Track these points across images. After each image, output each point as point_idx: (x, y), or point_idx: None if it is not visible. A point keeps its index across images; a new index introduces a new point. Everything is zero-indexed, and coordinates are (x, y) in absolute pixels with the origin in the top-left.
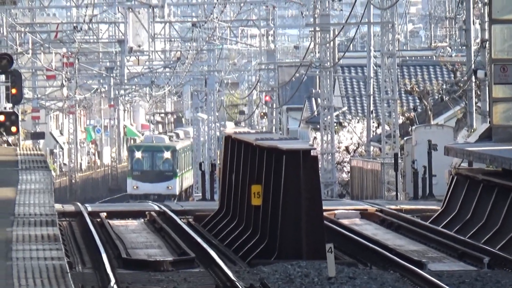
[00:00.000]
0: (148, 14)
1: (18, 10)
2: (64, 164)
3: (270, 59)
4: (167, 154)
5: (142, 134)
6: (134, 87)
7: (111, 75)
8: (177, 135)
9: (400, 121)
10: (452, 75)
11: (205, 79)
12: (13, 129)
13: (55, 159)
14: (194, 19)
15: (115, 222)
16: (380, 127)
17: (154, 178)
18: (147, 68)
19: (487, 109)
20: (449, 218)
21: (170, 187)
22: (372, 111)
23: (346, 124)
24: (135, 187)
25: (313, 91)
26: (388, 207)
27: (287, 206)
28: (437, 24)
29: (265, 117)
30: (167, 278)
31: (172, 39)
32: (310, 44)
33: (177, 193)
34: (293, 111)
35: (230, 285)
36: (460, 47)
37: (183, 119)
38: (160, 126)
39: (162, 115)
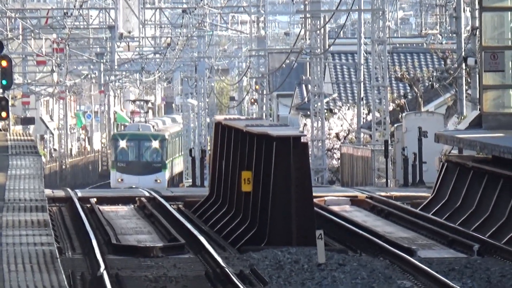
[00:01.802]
0: (138, 0)
1: None
2: (54, 150)
3: (260, 46)
4: (155, 144)
5: (133, 121)
6: (124, 73)
7: (101, 61)
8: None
9: (391, 108)
10: (443, 62)
11: (195, 65)
12: (3, 114)
13: (45, 145)
14: (185, 5)
15: (105, 208)
16: (371, 114)
17: (140, 170)
18: (137, 54)
19: (477, 97)
20: (439, 205)
21: (158, 180)
22: (362, 98)
23: (336, 110)
24: (119, 180)
25: (304, 77)
26: (378, 194)
27: (277, 192)
28: (428, 11)
29: (256, 103)
30: (156, 264)
31: (163, 25)
32: (300, 30)
33: (166, 187)
34: (283, 97)
35: (220, 271)
36: (450, 35)
37: (173, 105)
38: (150, 113)
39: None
